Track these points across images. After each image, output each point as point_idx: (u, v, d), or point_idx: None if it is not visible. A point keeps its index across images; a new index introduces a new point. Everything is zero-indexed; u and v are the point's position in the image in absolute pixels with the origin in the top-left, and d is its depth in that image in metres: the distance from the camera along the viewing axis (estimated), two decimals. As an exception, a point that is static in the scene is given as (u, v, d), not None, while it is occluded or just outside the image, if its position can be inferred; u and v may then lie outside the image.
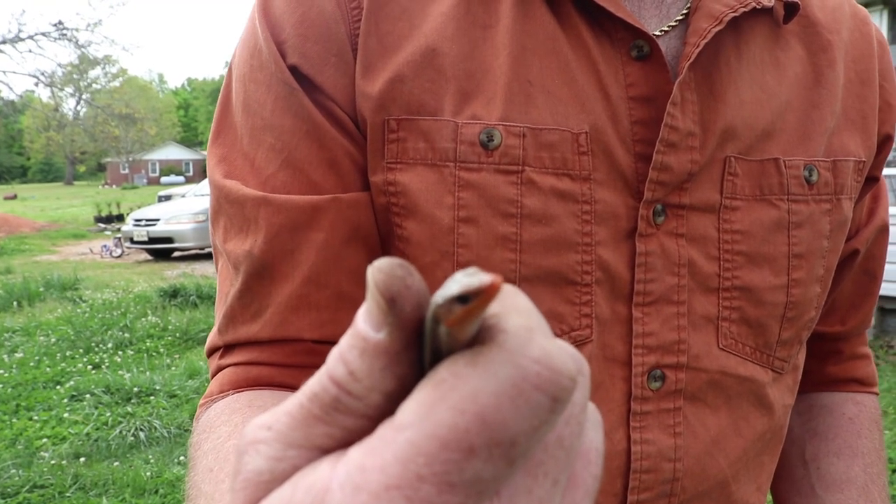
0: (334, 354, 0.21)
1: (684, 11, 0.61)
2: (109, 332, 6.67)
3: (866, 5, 6.13)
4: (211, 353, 0.63)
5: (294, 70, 0.56)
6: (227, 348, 0.61)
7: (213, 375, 0.62)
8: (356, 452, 0.20)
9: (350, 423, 0.21)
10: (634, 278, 0.58)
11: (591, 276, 0.57)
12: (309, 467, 0.21)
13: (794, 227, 0.62)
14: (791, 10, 0.62)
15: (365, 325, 0.21)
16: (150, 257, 13.94)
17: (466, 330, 0.19)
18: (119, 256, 14.50)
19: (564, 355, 0.19)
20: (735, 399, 0.62)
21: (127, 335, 6.62)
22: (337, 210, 0.56)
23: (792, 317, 0.63)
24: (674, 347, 0.59)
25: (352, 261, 0.57)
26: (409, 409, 0.19)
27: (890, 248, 5.31)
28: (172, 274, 10.99)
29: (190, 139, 65.53)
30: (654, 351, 0.59)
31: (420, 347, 0.21)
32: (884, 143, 0.70)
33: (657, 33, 0.60)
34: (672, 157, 0.57)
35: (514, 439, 0.18)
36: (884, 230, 0.77)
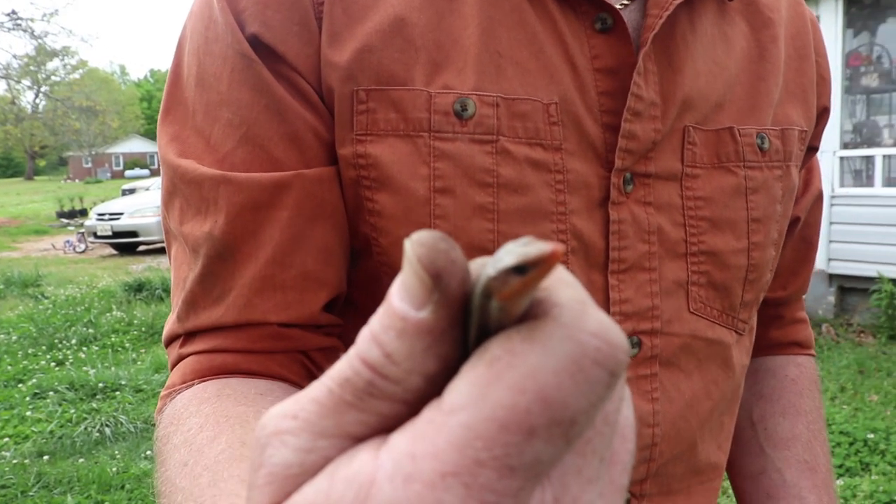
0: (365, 336, 0.20)
1: None
2: (73, 329, 6.57)
3: (823, -11, 6.21)
4: (170, 342, 0.60)
5: (254, 40, 0.54)
6: (189, 336, 0.58)
7: (174, 365, 0.59)
8: (402, 439, 0.18)
9: (386, 409, 0.19)
10: (609, 246, 0.59)
11: (566, 245, 0.57)
12: (345, 457, 0.19)
13: (750, 192, 0.64)
14: None
15: (403, 303, 0.19)
16: (114, 252, 13.74)
17: (520, 304, 0.18)
18: (83, 252, 14.26)
19: (617, 328, 0.19)
20: (705, 362, 0.64)
21: (91, 331, 6.53)
22: (301, 187, 0.54)
23: (753, 279, 0.65)
24: (648, 313, 0.60)
25: (318, 239, 0.55)
26: (461, 390, 0.18)
27: (844, 227, 5.43)
28: (138, 268, 10.84)
29: (154, 131, 64.41)
30: (631, 318, 0.60)
31: (464, 325, 0.19)
32: (821, 115, 0.73)
33: (618, 6, 0.60)
34: (638, 126, 0.58)
35: (574, 417, 0.18)
36: (819, 198, 0.80)
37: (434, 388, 0.19)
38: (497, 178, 0.55)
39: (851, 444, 3.63)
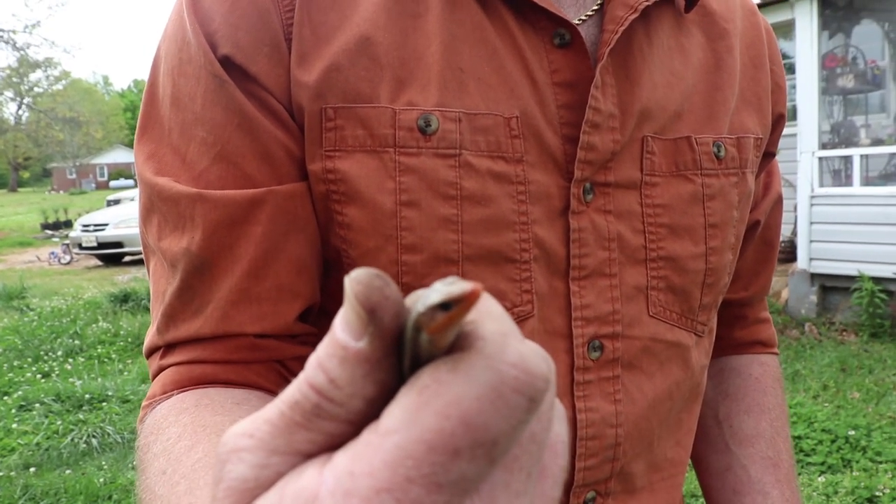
0: (312, 363, 0.22)
1: (600, 1, 0.64)
2: (59, 340, 6.55)
3: (798, -8, 6.29)
4: (150, 353, 0.62)
5: (226, 61, 0.56)
6: (168, 348, 0.60)
7: (155, 376, 0.61)
8: (343, 458, 0.20)
9: (332, 429, 0.21)
10: (570, 254, 0.61)
11: (529, 254, 0.59)
12: (294, 473, 0.21)
13: (707, 199, 0.66)
14: (691, 1, 0.66)
15: (344, 334, 0.21)
16: (100, 263, 13.66)
17: (446, 336, 0.21)
18: (68, 263, 14.18)
19: (538, 358, 0.21)
20: (666, 364, 0.67)
21: (77, 342, 6.50)
22: (274, 202, 0.56)
23: (711, 283, 0.68)
24: (609, 318, 0.63)
25: (291, 252, 0.57)
26: (395, 414, 0.20)
27: (824, 227, 5.48)
28: (123, 279, 10.79)
29: (138, 141, 64.22)
30: (592, 322, 0.62)
31: (398, 354, 0.22)
32: (777, 122, 0.76)
33: (575, 22, 0.63)
34: (596, 138, 0.60)
35: (496, 439, 0.20)
36: (779, 201, 0.83)
37: (374, 409, 0.21)
38: (460, 190, 0.57)
39: (833, 441, 3.68)
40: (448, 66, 0.57)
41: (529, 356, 0.21)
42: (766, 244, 0.84)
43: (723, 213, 0.67)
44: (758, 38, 0.73)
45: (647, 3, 0.61)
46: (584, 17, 0.64)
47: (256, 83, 0.56)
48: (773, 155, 0.79)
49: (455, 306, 0.20)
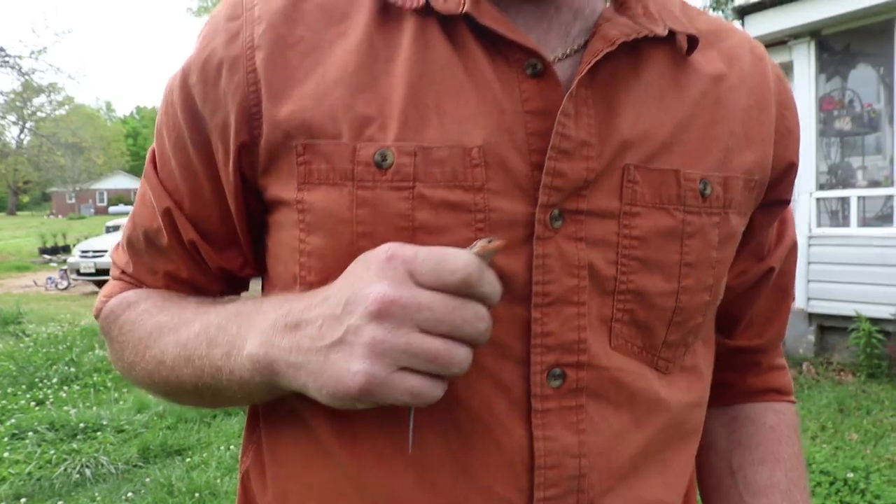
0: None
1: (586, 38, 0.66)
2: (54, 367, 6.52)
3: (795, 36, 6.40)
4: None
5: (193, 112, 0.66)
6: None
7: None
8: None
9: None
10: (532, 279, 0.61)
11: None
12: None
13: (686, 236, 0.66)
14: (693, 43, 0.68)
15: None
16: (97, 289, 13.63)
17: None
18: (65, 289, 14.16)
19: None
20: (636, 396, 0.66)
21: (73, 369, 6.48)
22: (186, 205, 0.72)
23: (679, 321, 0.67)
24: (573, 347, 0.62)
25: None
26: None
27: (822, 267, 5.50)
28: (120, 306, 10.75)
29: (139, 168, 64.43)
30: (553, 350, 0.62)
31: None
32: (788, 170, 0.75)
33: (560, 56, 0.65)
34: (566, 164, 0.61)
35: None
36: (793, 248, 0.83)
37: None
38: (413, 221, 0.59)
39: (832, 483, 3.66)
40: (412, 104, 0.60)
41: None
42: (780, 291, 0.83)
43: (700, 253, 0.66)
44: (764, 82, 0.73)
45: (625, 39, 0.63)
46: (568, 52, 0.66)
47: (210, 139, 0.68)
48: (787, 202, 0.78)
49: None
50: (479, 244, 0.56)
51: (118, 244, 0.80)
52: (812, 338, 6.22)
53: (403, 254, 0.54)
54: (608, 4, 0.69)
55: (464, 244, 0.58)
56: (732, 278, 0.76)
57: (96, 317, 0.80)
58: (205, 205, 0.70)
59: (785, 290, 0.84)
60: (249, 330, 0.61)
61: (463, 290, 0.54)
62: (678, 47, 0.68)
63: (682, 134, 0.66)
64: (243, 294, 0.77)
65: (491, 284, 0.55)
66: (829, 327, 6.23)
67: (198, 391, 0.67)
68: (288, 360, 0.56)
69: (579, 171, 0.61)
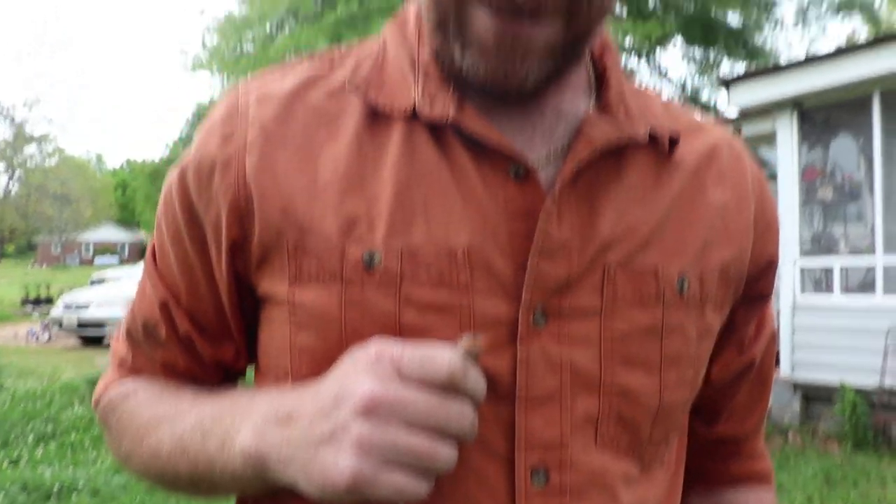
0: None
1: (569, 139, 0.68)
2: (31, 424, 6.39)
3: (777, 107, 6.56)
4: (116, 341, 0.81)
5: (190, 209, 0.69)
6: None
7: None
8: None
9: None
10: (517, 379, 0.62)
11: None
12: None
13: (666, 333, 0.67)
14: (674, 142, 0.70)
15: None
16: (79, 343, 13.47)
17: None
18: (46, 342, 13.98)
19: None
20: (619, 494, 0.66)
21: (50, 427, 6.35)
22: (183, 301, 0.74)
23: (663, 417, 0.68)
24: (558, 446, 0.63)
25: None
26: None
27: (806, 336, 5.49)
28: (103, 361, 10.63)
29: (127, 219, 64.26)
30: (537, 449, 0.63)
31: None
32: (767, 266, 0.77)
33: (544, 158, 0.67)
34: (548, 265, 0.62)
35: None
36: (772, 339, 0.84)
37: None
38: (399, 321, 0.60)
39: (819, 558, 3.61)
40: (400, 206, 0.62)
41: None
42: (760, 381, 0.84)
43: (679, 349, 0.67)
44: (742, 179, 0.75)
45: (606, 146, 0.65)
46: (552, 154, 0.67)
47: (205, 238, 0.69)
48: (768, 297, 0.80)
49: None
50: (465, 342, 0.57)
51: (117, 333, 0.81)
52: (797, 407, 6.21)
53: (391, 352, 0.56)
54: (592, 105, 0.71)
55: (449, 343, 0.59)
56: (715, 372, 0.77)
57: (94, 406, 0.80)
58: (201, 299, 0.71)
59: (765, 381, 0.85)
60: (242, 422, 0.61)
61: (448, 388, 0.55)
62: (660, 146, 0.70)
63: (661, 231, 0.68)
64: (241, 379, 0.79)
65: (476, 382, 0.56)
66: (814, 396, 6.23)
67: (194, 483, 0.67)
68: (279, 454, 0.57)
69: (561, 271, 0.63)
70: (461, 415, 0.55)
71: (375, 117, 0.66)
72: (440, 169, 0.64)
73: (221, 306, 0.71)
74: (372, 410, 0.54)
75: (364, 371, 0.55)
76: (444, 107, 0.64)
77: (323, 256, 0.62)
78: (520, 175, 0.64)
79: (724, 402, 0.83)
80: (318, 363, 0.62)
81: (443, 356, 0.55)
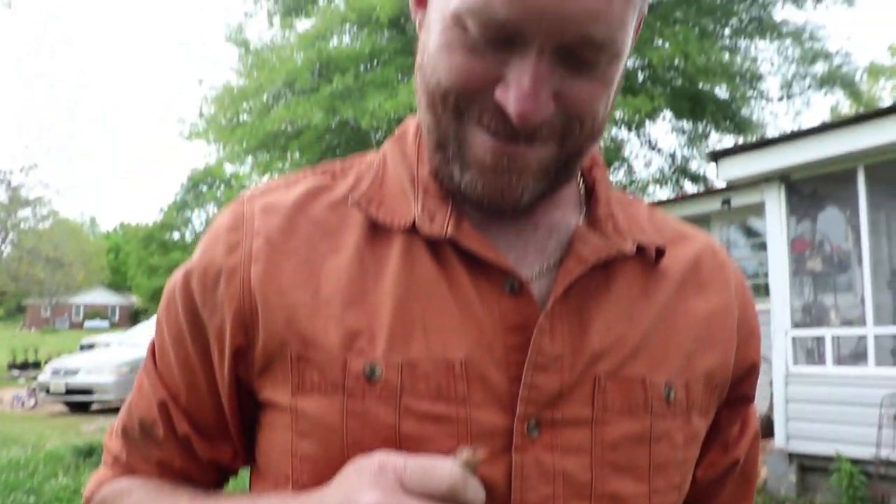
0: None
1: (561, 254, 0.72)
2: (12, 496, 6.23)
3: (765, 180, 6.69)
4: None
5: (194, 313, 0.71)
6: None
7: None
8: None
9: None
10: (512, 489, 0.64)
11: None
12: None
13: (654, 440, 0.69)
14: (660, 253, 0.74)
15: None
16: (66, 410, 13.26)
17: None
18: (32, 408, 13.75)
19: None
20: None
21: (33, 499, 6.19)
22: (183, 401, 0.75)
23: None
24: None
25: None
26: None
27: (800, 406, 5.46)
28: (89, 428, 10.45)
29: (119, 283, 63.97)
30: None
31: None
32: (750, 371, 0.80)
33: (537, 272, 0.70)
34: (541, 378, 0.65)
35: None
36: (756, 437, 0.86)
37: None
38: (399, 432, 0.63)
39: None
40: (399, 319, 0.65)
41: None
42: (745, 480, 0.86)
43: (667, 455, 0.70)
44: (725, 287, 0.79)
45: (596, 260, 0.69)
46: (545, 268, 0.71)
47: (207, 341, 0.72)
48: (751, 399, 0.82)
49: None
50: (464, 454, 0.59)
51: (112, 430, 0.82)
52: (793, 478, 6.14)
53: (394, 464, 0.58)
54: (582, 219, 0.75)
55: (447, 453, 0.61)
56: (700, 472, 0.79)
57: (86, 503, 0.80)
58: (200, 400, 0.73)
59: (749, 477, 0.87)
60: None
61: (449, 499, 0.57)
62: (647, 257, 0.74)
63: (648, 341, 0.71)
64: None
65: (475, 492, 0.58)
66: (810, 467, 6.16)
67: None
68: None
69: (554, 383, 0.66)
70: None
71: (376, 230, 0.70)
72: (438, 283, 0.67)
73: (221, 408, 0.73)
74: None
75: (368, 482, 0.57)
76: (442, 223, 0.68)
77: (325, 368, 0.65)
78: (514, 289, 0.67)
79: (709, 500, 0.84)
80: (319, 471, 0.64)
81: (444, 468, 0.57)
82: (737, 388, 0.79)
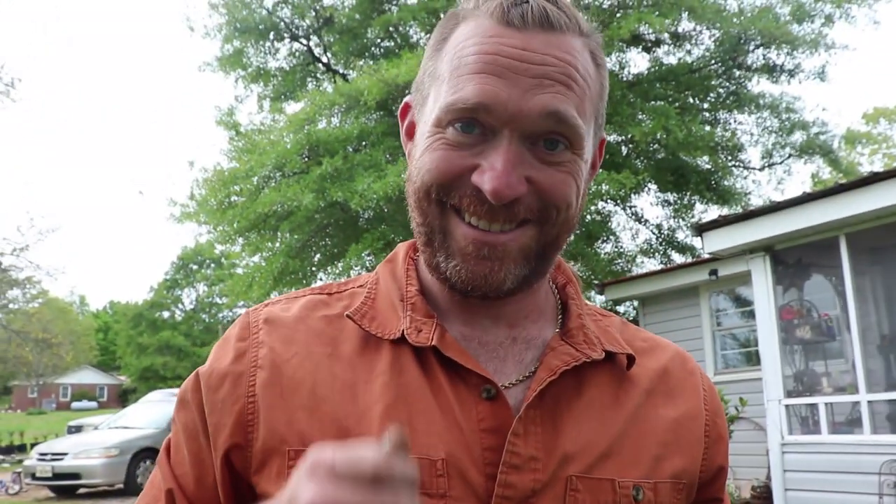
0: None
1: (537, 365, 0.79)
2: (-1, 588, 6.04)
3: (750, 251, 6.82)
4: None
5: (203, 410, 0.79)
6: None
7: None
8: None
9: None
10: None
11: None
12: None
13: None
14: (631, 360, 0.82)
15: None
16: (52, 495, 12.93)
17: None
18: (16, 493, 13.42)
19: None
20: None
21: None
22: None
23: None
24: None
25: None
26: None
27: (797, 475, 5.36)
28: (76, 514, 10.16)
29: (107, 363, 63.17)
30: None
31: None
32: (718, 472, 0.87)
33: (514, 381, 0.78)
34: (515, 477, 0.72)
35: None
36: None
37: None
38: None
39: None
40: (387, 419, 0.73)
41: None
42: None
43: None
44: (695, 394, 0.86)
45: (566, 368, 0.77)
46: (521, 378, 0.79)
47: (209, 443, 0.79)
48: (720, 500, 0.88)
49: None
50: (391, 435, 0.63)
51: None
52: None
53: (324, 458, 0.62)
54: (557, 332, 0.84)
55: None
56: None
57: None
58: (206, 490, 0.80)
59: None
60: None
61: (378, 479, 0.61)
62: (618, 364, 0.82)
63: (618, 445, 0.78)
64: None
65: (402, 469, 0.62)
66: (811, 539, 6.08)
67: None
68: None
69: (527, 482, 0.73)
70: (395, 502, 0.61)
71: (367, 341, 0.80)
72: (423, 389, 0.75)
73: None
74: None
75: (306, 478, 0.62)
76: (428, 334, 0.77)
77: None
78: (491, 395, 0.75)
79: None
80: None
81: (367, 452, 0.62)
82: (705, 491, 0.85)
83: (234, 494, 0.79)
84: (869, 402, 6.05)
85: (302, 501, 0.61)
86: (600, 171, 12.03)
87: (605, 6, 12.50)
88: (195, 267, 53.38)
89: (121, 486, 12.46)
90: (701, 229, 7.05)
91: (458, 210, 0.76)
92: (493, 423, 0.74)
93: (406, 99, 0.88)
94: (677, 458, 0.81)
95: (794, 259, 6.90)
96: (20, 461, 15.75)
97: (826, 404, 6.32)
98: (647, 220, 15.95)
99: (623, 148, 14.04)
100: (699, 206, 15.63)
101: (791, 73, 14.17)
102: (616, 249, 15.48)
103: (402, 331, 0.78)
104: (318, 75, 16.61)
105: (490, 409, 0.75)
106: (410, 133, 0.85)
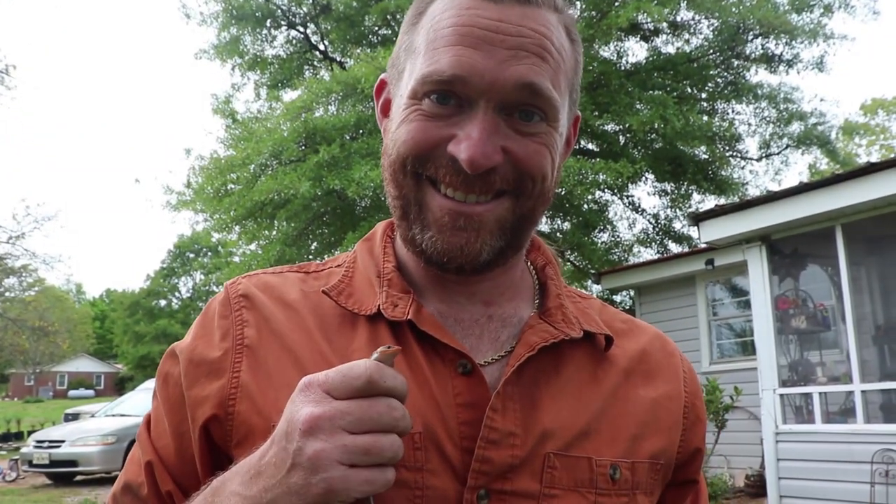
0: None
1: (514, 344, 0.80)
2: (-4, 574, 6.07)
3: (747, 241, 6.82)
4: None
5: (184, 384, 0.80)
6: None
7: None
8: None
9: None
10: None
11: None
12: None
13: None
14: (609, 341, 0.82)
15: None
16: (49, 482, 12.97)
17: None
18: (13, 481, 13.45)
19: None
20: None
21: (16, 576, 6.03)
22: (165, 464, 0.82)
23: None
24: None
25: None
26: None
27: (790, 464, 5.44)
28: (73, 501, 10.22)
29: (104, 351, 63.11)
30: None
31: None
32: (695, 454, 0.87)
33: (490, 360, 0.79)
34: (493, 452, 0.72)
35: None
36: None
37: None
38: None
39: None
40: None
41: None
42: None
43: None
44: (674, 376, 0.87)
45: (543, 344, 0.77)
46: (497, 357, 0.79)
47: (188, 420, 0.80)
48: (696, 482, 0.89)
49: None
50: (379, 350, 0.67)
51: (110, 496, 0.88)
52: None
53: (316, 378, 0.65)
54: (535, 311, 0.84)
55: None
56: None
57: None
58: (186, 462, 0.80)
59: None
60: (224, 500, 0.69)
61: (371, 391, 0.64)
62: (597, 345, 0.82)
63: (596, 424, 0.78)
64: None
65: (393, 378, 0.65)
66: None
67: None
68: (263, 502, 0.65)
69: (505, 457, 0.73)
70: (389, 408, 0.64)
71: (343, 317, 0.80)
72: (399, 362, 0.75)
73: None
74: (316, 428, 0.62)
75: (300, 401, 0.65)
76: (404, 309, 0.78)
77: None
78: (467, 370, 0.76)
79: None
80: None
81: (359, 366, 0.64)
82: (682, 472, 0.86)
83: (212, 466, 0.78)
84: (863, 391, 6.08)
85: (300, 419, 0.63)
86: (598, 160, 12.14)
87: (603, -5, 12.44)
88: (192, 255, 53.30)
89: (118, 473, 12.45)
90: (698, 219, 7.06)
91: (434, 182, 0.76)
92: (469, 397, 0.74)
93: (381, 76, 0.88)
94: (655, 438, 0.82)
95: (791, 249, 6.92)
96: (17, 449, 15.78)
97: (820, 394, 6.35)
98: (644, 210, 15.96)
99: (620, 137, 14.04)
100: (696, 196, 15.63)
101: (789, 64, 14.14)
102: (613, 239, 15.49)
103: (378, 306, 0.78)
104: (316, 63, 16.56)
105: (466, 383, 0.75)
106: (386, 110, 0.86)
